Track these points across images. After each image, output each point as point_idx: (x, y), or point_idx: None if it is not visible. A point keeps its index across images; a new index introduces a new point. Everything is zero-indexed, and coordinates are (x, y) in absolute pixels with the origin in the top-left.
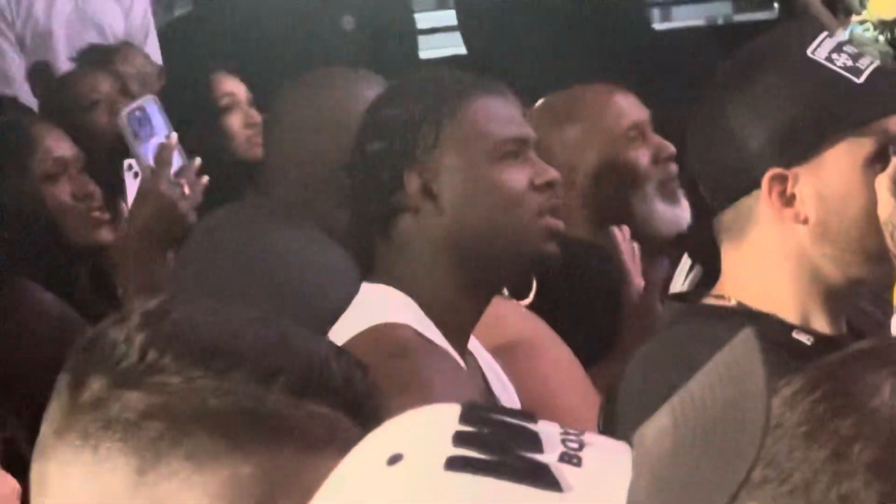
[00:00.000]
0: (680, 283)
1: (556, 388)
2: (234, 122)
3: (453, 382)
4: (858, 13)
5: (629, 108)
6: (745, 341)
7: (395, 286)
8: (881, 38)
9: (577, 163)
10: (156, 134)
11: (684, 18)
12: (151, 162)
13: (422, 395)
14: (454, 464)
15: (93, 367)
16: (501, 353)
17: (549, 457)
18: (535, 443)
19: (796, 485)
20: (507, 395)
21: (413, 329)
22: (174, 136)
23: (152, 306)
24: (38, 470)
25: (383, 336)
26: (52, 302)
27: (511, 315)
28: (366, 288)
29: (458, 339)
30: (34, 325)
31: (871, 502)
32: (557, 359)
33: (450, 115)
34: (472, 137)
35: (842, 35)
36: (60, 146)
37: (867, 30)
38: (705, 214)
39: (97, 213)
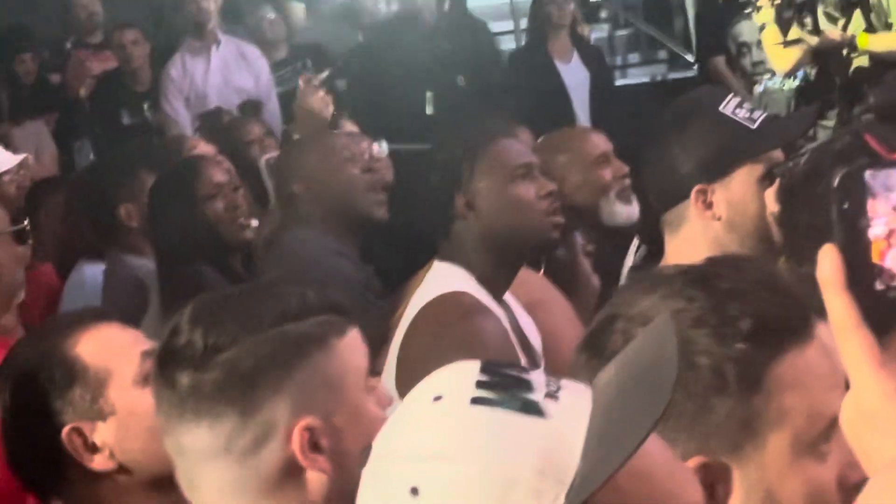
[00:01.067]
0: (631, 258)
1: (559, 327)
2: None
3: (496, 337)
4: (751, 74)
5: (600, 141)
6: (666, 321)
7: (456, 264)
8: (785, 86)
9: (564, 178)
10: None
11: (635, 77)
12: None
13: (478, 351)
14: (477, 401)
15: (174, 367)
16: (530, 305)
17: (538, 395)
18: (529, 386)
19: None
20: (531, 331)
21: (470, 295)
22: None
23: (189, 311)
24: (173, 442)
25: (452, 301)
26: (216, 279)
27: (535, 282)
28: (438, 265)
29: (498, 295)
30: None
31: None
32: (561, 309)
33: (481, 155)
34: (496, 168)
35: (759, 88)
36: (217, 174)
37: (775, 83)
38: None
39: (242, 220)
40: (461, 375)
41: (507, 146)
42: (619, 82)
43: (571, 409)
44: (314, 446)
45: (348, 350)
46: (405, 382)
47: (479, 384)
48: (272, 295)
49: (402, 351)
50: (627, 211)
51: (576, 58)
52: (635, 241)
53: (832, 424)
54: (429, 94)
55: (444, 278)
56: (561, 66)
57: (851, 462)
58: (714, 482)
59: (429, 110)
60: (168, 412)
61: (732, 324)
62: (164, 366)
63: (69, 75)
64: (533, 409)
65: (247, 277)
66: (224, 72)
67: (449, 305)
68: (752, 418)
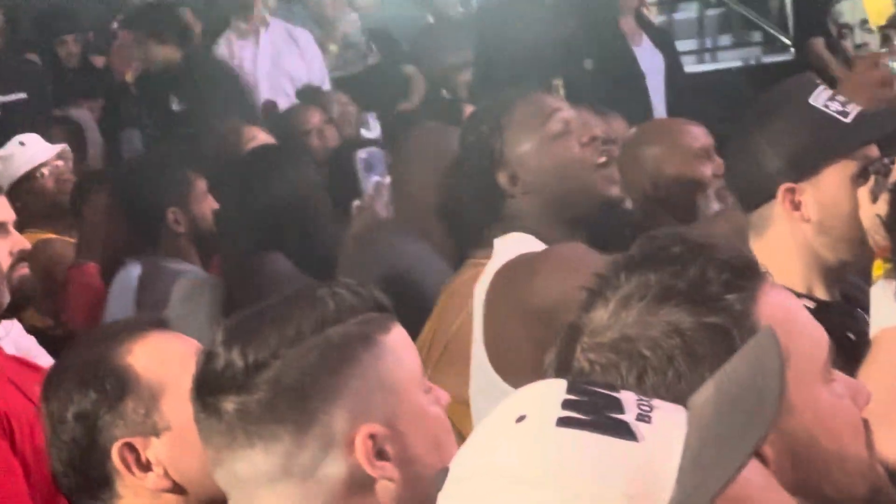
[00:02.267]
0: None
1: None
2: None
3: (590, 254)
4: (854, 57)
5: (700, 134)
6: (767, 334)
7: (524, 232)
8: None
9: (659, 172)
10: (375, 173)
11: (726, 61)
12: (370, 191)
13: (576, 266)
14: (563, 422)
15: (216, 394)
16: None
17: (628, 416)
18: (619, 406)
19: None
20: None
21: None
22: (388, 178)
23: (222, 332)
24: (226, 474)
25: (523, 258)
26: (292, 269)
27: None
28: (502, 239)
29: None
30: (276, 285)
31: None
32: None
33: (507, 123)
34: (526, 131)
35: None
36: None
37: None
38: None
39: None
40: (546, 394)
41: (533, 103)
42: (708, 67)
43: (664, 431)
44: (380, 454)
45: (397, 346)
46: (499, 354)
47: (566, 403)
48: (307, 301)
49: (488, 328)
50: None
51: (646, 41)
52: None
53: (831, 347)
54: (555, 83)
55: (512, 246)
56: (634, 50)
57: (851, 382)
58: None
59: None
60: (217, 443)
61: (704, 282)
62: (205, 395)
63: (115, 58)
64: (623, 432)
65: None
66: (274, 56)
67: (529, 258)
68: None
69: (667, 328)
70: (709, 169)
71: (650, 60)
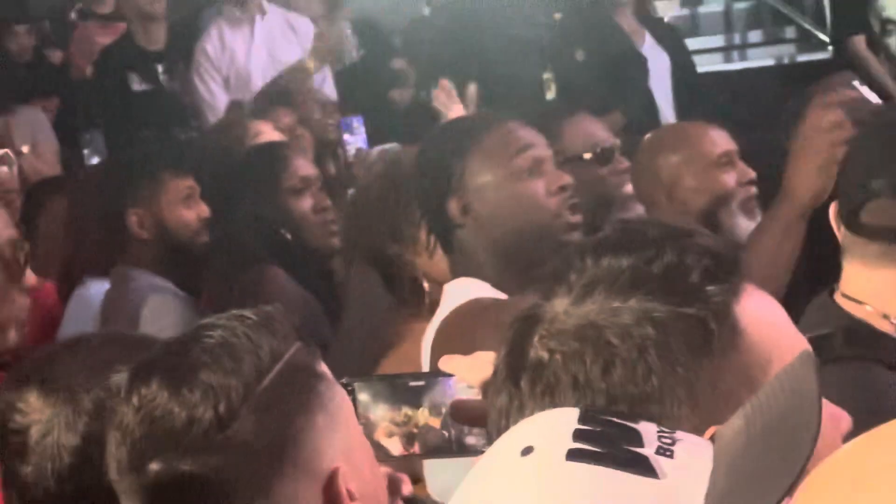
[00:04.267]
0: None
1: None
2: None
3: None
4: (894, 57)
5: (721, 139)
6: (804, 360)
7: (472, 276)
8: None
9: (676, 182)
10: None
11: (757, 59)
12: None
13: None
14: (574, 455)
15: (169, 457)
16: None
17: (648, 450)
18: (637, 439)
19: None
20: None
21: (493, 298)
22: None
23: (160, 379)
24: None
25: (475, 304)
26: (292, 285)
27: None
28: (449, 284)
29: None
30: (280, 299)
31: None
32: None
33: (474, 148)
34: (493, 161)
35: None
36: (303, 167)
37: None
38: None
39: (333, 226)
40: (556, 423)
41: (506, 133)
42: (736, 66)
43: (688, 467)
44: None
45: (329, 374)
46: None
47: (578, 434)
48: (237, 345)
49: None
50: (749, 226)
51: (649, 39)
52: None
53: None
54: (546, 76)
55: (461, 291)
56: None
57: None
58: None
59: (550, 95)
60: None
61: (681, 269)
62: (148, 459)
63: (74, 52)
64: (642, 467)
65: (326, 295)
66: (270, 47)
67: (472, 309)
68: (747, 370)
69: (638, 316)
70: (732, 178)
71: (654, 61)
